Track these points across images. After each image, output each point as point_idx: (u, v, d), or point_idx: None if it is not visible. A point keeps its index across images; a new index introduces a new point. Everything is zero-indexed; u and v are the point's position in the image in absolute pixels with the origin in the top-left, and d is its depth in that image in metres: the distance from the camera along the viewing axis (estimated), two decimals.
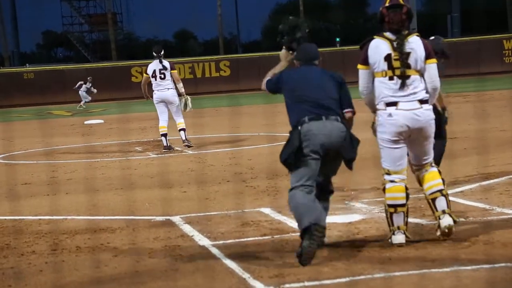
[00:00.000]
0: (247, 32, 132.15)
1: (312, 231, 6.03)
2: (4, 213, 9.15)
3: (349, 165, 6.44)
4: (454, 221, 6.51)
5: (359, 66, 6.56)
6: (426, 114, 6.40)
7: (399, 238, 6.45)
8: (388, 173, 6.49)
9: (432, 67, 6.44)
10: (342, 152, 6.31)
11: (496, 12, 61.13)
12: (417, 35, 6.46)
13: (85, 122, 25.10)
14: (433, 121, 6.47)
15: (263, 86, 6.82)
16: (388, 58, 6.36)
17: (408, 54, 6.36)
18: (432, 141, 6.58)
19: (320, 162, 6.28)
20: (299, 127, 6.30)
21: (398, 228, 6.45)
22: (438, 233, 6.58)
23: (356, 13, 75.77)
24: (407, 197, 6.47)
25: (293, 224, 7.63)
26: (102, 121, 25.32)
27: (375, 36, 6.52)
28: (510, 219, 7.37)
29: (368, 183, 9.76)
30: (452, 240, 6.58)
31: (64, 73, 43.07)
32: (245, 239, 7.14)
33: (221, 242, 7.07)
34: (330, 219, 7.77)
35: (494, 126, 15.93)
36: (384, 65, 6.36)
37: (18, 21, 60.24)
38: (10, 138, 19.95)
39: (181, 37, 79.88)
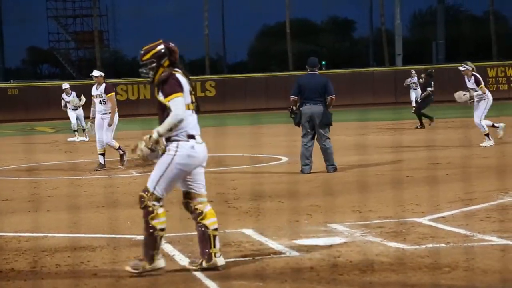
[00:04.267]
0: (233, 53, 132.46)
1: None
2: None
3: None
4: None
5: None
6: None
7: (162, 262, 6.62)
8: (159, 200, 6.57)
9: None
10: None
11: (481, 40, 61.65)
12: None
13: (69, 139, 25.05)
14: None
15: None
16: None
17: None
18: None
19: None
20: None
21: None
22: (204, 264, 6.62)
23: (342, 37, 76.20)
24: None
25: (275, 245, 7.64)
26: (85, 138, 25.24)
27: None
28: (490, 245, 7.40)
29: (349, 206, 9.78)
30: (433, 265, 6.60)
31: (49, 89, 42.95)
32: (226, 260, 7.12)
33: None
34: (311, 241, 7.78)
35: (476, 153, 16.02)
36: None
37: (3, 36, 60.12)
38: None
39: None
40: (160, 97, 6.47)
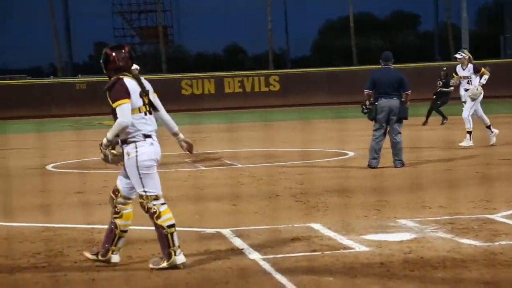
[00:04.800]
0: (296, 48, 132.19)
1: None
2: (58, 222, 9.24)
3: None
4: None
5: None
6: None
7: (182, 257, 6.67)
8: (157, 198, 6.69)
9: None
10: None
11: None
12: None
13: None
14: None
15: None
16: None
17: None
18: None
19: None
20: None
21: (179, 247, 6.66)
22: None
23: (407, 31, 75.37)
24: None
25: (344, 240, 7.61)
26: None
27: None
28: None
29: (418, 202, 9.68)
30: (507, 262, 6.49)
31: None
32: (296, 254, 7.12)
33: (271, 256, 7.06)
34: (381, 237, 7.73)
35: None
36: None
37: (71, 32, 61.10)
38: (61, 147, 20.21)
39: (231, 51, 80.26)
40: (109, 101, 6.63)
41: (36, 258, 7.24)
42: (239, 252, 7.29)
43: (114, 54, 6.70)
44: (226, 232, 8.24)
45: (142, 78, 6.79)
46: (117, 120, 6.52)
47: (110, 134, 6.58)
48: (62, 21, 59.10)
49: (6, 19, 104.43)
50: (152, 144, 6.65)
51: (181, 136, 7.15)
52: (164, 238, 6.63)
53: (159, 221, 6.63)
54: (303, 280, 6.15)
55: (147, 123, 6.66)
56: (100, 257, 6.80)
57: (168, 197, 10.85)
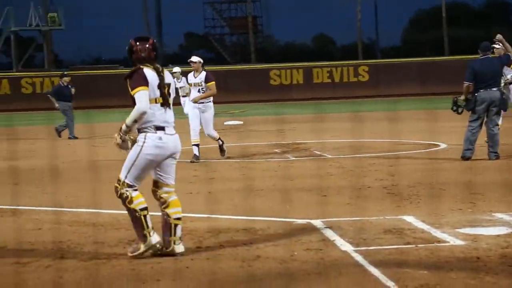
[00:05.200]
0: (386, 38, 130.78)
1: None
2: (151, 209, 9.35)
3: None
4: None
5: None
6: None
7: (156, 237, 6.81)
8: (131, 187, 6.81)
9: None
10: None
11: None
12: None
13: (225, 123, 25.51)
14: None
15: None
16: None
17: None
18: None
19: None
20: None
21: (153, 228, 6.81)
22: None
23: (501, 21, 73.59)
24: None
25: (438, 234, 7.48)
26: (241, 122, 25.66)
27: None
28: None
29: None
30: None
31: None
32: (388, 247, 7.04)
33: (363, 248, 7.00)
34: (476, 230, 7.57)
35: None
36: None
37: (162, 23, 61.99)
38: None
39: (319, 41, 79.98)
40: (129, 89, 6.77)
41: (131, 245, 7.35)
42: (330, 243, 7.25)
43: (138, 45, 6.88)
44: (317, 223, 8.21)
45: (165, 72, 6.91)
46: (135, 107, 6.68)
47: (128, 120, 6.74)
48: (155, 12, 60.01)
49: (102, 11, 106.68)
50: (161, 138, 6.77)
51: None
52: (138, 221, 6.79)
53: (131, 206, 6.80)
54: (397, 273, 6.07)
55: (163, 115, 6.79)
56: (165, 250, 6.86)
57: (259, 187, 10.92)
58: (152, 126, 6.75)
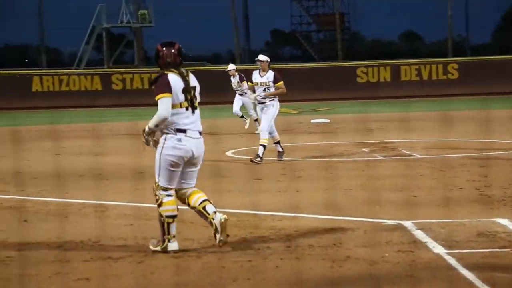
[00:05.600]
0: (477, 34, 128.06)
1: None
2: (240, 207, 9.41)
3: None
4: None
5: None
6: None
7: (174, 245, 7.08)
8: (165, 189, 7.08)
9: None
10: None
11: None
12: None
13: (312, 121, 25.43)
14: None
15: None
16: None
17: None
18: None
19: None
20: None
21: (174, 236, 7.08)
22: (158, 248, 7.06)
23: None
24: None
25: None
26: (328, 120, 25.53)
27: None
28: None
29: None
30: None
31: (290, 72, 43.86)
32: (482, 250, 6.88)
33: (456, 251, 6.87)
34: None
35: None
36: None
37: (249, 19, 62.26)
38: (238, 133, 20.58)
39: (407, 38, 79.02)
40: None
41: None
42: (422, 245, 7.14)
43: (164, 50, 7.12)
44: (408, 224, 8.10)
45: (191, 76, 7.15)
46: (157, 112, 6.96)
47: (151, 123, 7.05)
48: (242, 9, 60.33)
49: (190, 5, 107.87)
50: (180, 140, 7.00)
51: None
52: (161, 225, 7.07)
53: (160, 209, 7.08)
54: (492, 278, 5.93)
55: (186, 118, 7.02)
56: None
57: (347, 187, 10.84)
58: (174, 129, 7.02)
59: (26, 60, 78.64)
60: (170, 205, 7.07)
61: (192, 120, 7.05)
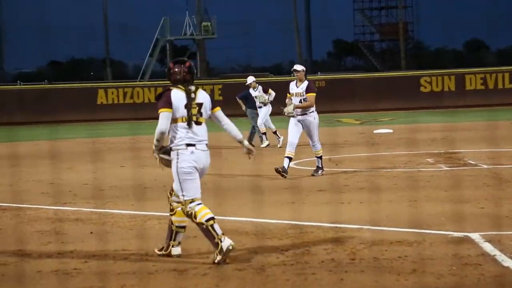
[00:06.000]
0: None
1: None
2: (303, 219, 9.38)
3: None
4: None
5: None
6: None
7: (178, 250, 7.57)
8: (193, 201, 7.33)
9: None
10: None
11: None
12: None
13: (375, 131, 25.27)
14: None
15: None
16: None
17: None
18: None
19: None
20: None
21: (179, 243, 7.57)
22: (218, 257, 7.15)
23: None
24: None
25: None
26: (391, 130, 25.32)
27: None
28: None
29: None
30: None
31: (353, 82, 43.71)
32: None
33: None
34: None
35: None
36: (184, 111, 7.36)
37: (311, 30, 62.23)
38: (300, 144, 20.50)
39: (472, 46, 78.00)
40: None
41: (285, 255, 7.40)
42: (490, 258, 7.01)
43: (175, 67, 7.54)
44: (475, 236, 7.97)
45: (201, 92, 7.51)
46: (157, 127, 7.40)
47: (154, 139, 7.48)
48: (304, 19, 60.33)
49: (251, 18, 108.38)
50: (192, 152, 7.34)
51: (245, 142, 7.70)
52: (207, 232, 7.24)
53: (198, 220, 7.29)
54: None
55: (191, 133, 7.37)
56: (163, 252, 7.56)
57: (412, 197, 10.71)
58: (183, 144, 7.35)
59: (91, 73, 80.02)
60: (203, 210, 7.31)
61: (197, 134, 7.39)
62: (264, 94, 21.12)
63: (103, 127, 33.10)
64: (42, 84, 39.76)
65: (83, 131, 29.77)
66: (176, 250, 7.56)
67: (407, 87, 42.28)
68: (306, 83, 13.88)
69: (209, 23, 51.88)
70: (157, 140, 7.44)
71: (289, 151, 13.85)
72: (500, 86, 42.74)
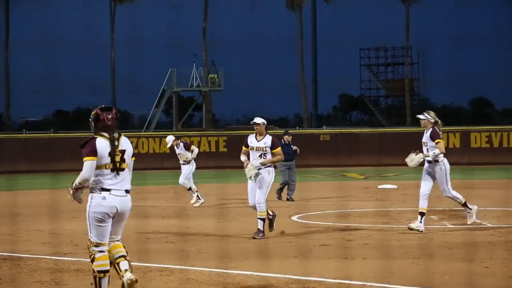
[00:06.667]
0: None
1: None
2: (306, 274, 9.31)
3: None
4: (136, 280, 7.77)
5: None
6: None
7: None
8: (97, 245, 7.80)
9: None
10: None
11: None
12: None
13: (379, 187, 25.22)
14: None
15: None
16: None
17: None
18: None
19: None
20: None
21: None
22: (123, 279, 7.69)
23: None
24: (111, 264, 7.86)
25: None
26: (395, 186, 25.27)
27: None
28: None
29: None
30: None
31: (358, 136, 43.84)
32: None
33: None
34: None
35: None
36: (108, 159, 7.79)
37: (318, 84, 62.55)
38: (306, 198, 20.51)
39: (477, 104, 78.25)
40: None
41: None
42: None
43: (104, 114, 7.97)
44: None
45: (124, 140, 7.95)
46: (81, 173, 7.79)
47: (77, 181, 7.87)
48: (311, 72, 60.67)
49: (257, 71, 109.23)
50: (104, 198, 7.78)
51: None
52: (94, 281, 7.78)
53: (93, 265, 7.80)
54: None
55: (110, 179, 7.82)
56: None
57: (416, 255, 10.62)
58: (99, 188, 7.82)
59: None
60: (102, 260, 7.78)
61: (117, 180, 7.83)
62: (187, 152, 19.96)
63: None
64: (47, 133, 39.85)
65: None
66: (127, 275, 7.75)
67: (412, 143, 42.24)
68: (269, 137, 13.07)
69: (215, 75, 52.22)
70: (80, 183, 7.85)
71: (260, 210, 12.91)
72: (505, 144, 42.78)
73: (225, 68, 54.34)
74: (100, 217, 7.77)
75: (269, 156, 13.01)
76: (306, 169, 39.99)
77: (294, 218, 15.88)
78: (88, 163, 7.78)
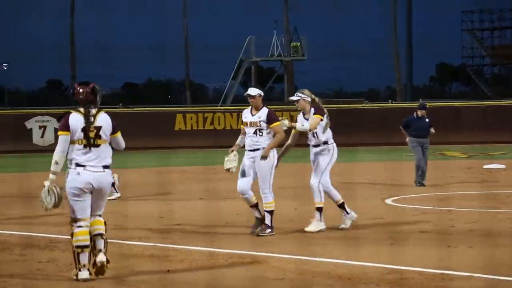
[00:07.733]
0: None
1: None
2: (402, 263, 9.24)
3: None
4: (107, 260, 8.44)
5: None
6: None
7: (85, 274, 8.39)
8: (76, 221, 8.45)
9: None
10: None
11: None
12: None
13: (484, 166, 24.81)
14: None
15: None
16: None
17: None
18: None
19: None
20: None
21: (84, 266, 8.39)
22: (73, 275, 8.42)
23: None
24: (91, 239, 8.49)
25: None
26: (503, 166, 24.80)
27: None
28: None
29: None
30: None
31: (459, 110, 43.07)
32: None
33: None
34: None
35: None
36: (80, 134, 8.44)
37: (413, 53, 61.78)
38: (399, 179, 20.29)
39: None
40: None
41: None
42: None
43: (78, 88, 8.60)
44: None
45: (102, 115, 8.57)
46: (55, 149, 8.47)
47: (52, 160, 8.46)
48: (405, 39, 59.88)
49: (348, 38, 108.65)
50: (79, 174, 8.41)
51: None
52: (74, 256, 8.43)
53: (72, 240, 8.45)
54: None
55: (84, 154, 8.44)
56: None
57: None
58: (74, 164, 8.46)
59: (169, 96, 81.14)
60: (80, 235, 8.39)
61: (93, 156, 8.45)
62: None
63: (182, 154, 33.46)
64: (116, 108, 40.40)
65: (154, 158, 30.11)
66: (82, 274, 8.36)
67: None
68: (265, 110, 11.85)
69: (298, 44, 52.03)
70: (56, 162, 8.44)
71: (247, 198, 11.95)
72: None
73: (308, 36, 54.20)
74: (76, 192, 8.41)
75: (265, 134, 11.79)
76: (399, 147, 39.61)
77: (388, 201, 15.76)
78: (62, 138, 8.49)
